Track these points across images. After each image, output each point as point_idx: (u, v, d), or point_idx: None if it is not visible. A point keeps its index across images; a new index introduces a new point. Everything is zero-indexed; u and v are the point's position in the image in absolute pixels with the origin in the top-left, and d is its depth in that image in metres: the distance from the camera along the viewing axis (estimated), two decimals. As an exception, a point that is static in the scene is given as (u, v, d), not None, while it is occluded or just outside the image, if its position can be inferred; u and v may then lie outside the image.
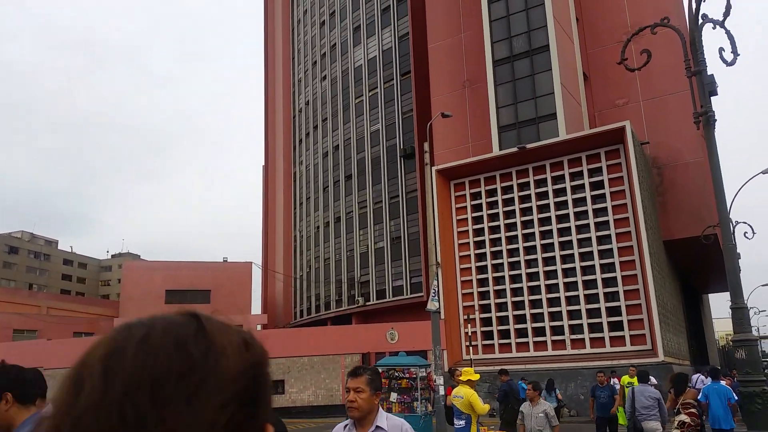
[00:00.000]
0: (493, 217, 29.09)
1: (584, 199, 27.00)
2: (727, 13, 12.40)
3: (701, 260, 33.90)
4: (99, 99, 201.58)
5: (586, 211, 26.83)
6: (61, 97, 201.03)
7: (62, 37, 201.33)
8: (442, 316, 26.69)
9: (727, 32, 12.62)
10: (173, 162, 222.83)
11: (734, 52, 12.50)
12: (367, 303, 41.17)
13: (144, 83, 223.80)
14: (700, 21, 12.40)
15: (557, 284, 26.89)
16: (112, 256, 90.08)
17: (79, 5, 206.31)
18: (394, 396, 16.16)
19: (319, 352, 29.94)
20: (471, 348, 27.34)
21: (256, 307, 55.46)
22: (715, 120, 12.16)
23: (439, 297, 24.59)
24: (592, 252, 26.45)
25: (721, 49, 12.60)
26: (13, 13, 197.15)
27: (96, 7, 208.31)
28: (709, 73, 12.51)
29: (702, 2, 12.35)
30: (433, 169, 30.05)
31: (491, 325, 28.17)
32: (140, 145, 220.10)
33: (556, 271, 27.04)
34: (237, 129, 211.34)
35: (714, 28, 12.67)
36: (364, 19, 45.98)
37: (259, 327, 33.34)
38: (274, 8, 61.08)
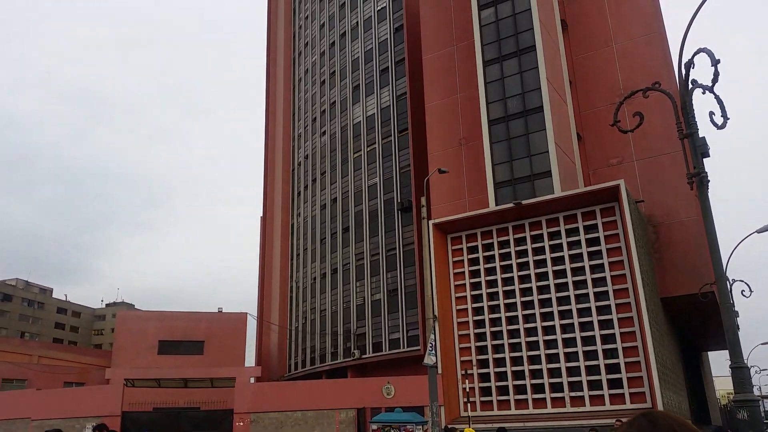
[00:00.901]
0: (490, 271, 29.21)
1: (581, 255, 27.24)
2: (715, 80, 12.88)
3: (700, 318, 33.90)
4: (98, 150, 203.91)
5: (583, 268, 27.03)
6: (61, 148, 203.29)
7: (64, 90, 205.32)
8: (440, 371, 26.44)
9: (717, 97, 13.07)
10: (170, 213, 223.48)
11: (724, 116, 12.92)
12: (363, 356, 40.70)
13: (143, 136, 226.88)
14: (690, 86, 12.92)
15: (555, 340, 26.79)
16: (107, 305, 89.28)
17: (82, 59, 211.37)
18: (391, 454, 15.91)
19: (313, 406, 29.41)
20: (469, 404, 26.94)
21: (250, 359, 54.61)
22: (708, 181, 12.47)
23: (436, 351, 24.44)
24: (590, 308, 26.49)
25: (711, 113, 13.01)
26: (16, 65, 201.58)
27: (98, 61, 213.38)
28: (701, 135, 12.91)
29: (691, 68, 12.91)
30: (430, 222, 30.45)
31: (489, 381, 27.85)
32: (138, 196, 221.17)
33: (554, 326, 26.99)
34: (236, 181, 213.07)
35: (704, 93, 13.17)
36: (363, 79, 47.31)
37: (252, 380, 32.81)
38: (276, 68, 62.81)
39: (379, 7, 47.59)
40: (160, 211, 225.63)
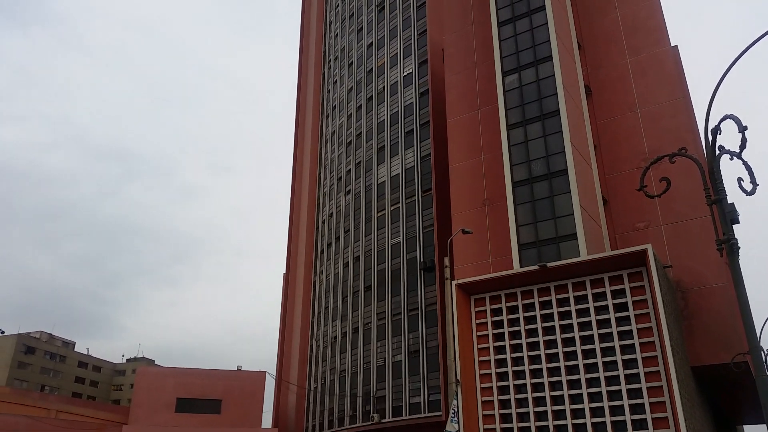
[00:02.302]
0: (515, 335, 28.62)
1: (608, 321, 26.61)
2: (743, 146, 12.78)
3: (733, 388, 32.50)
4: (128, 206, 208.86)
5: (611, 334, 26.33)
6: (93, 204, 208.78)
7: (99, 148, 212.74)
8: (462, 439, 25.54)
9: (745, 163, 12.93)
10: (195, 268, 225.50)
11: (753, 182, 12.75)
12: (383, 420, 39.63)
13: (173, 192, 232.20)
14: (717, 152, 12.85)
15: (583, 409, 25.84)
16: (127, 360, 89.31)
17: (118, 118, 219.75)
18: None
19: (331, 472, 28.49)
20: (492, 475, 25.86)
21: (267, 420, 53.57)
22: (739, 248, 12.22)
23: (459, 418, 23.71)
24: (618, 376, 25.63)
25: (740, 179, 12.83)
26: (56, 124, 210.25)
27: (133, 120, 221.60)
28: (729, 201, 12.71)
29: (718, 134, 12.88)
30: (454, 283, 30.14)
31: (513, 451, 26.78)
32: (164, 252, 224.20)
33: (581, 395, 26.08)
34: (261, 238, 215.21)
35: (731, 159, 13.07)
36: (388, 141, 48.25)
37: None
38: (305, 128, 64.55)
39: (405, 73, 49.03)
40: (185, 266, 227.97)
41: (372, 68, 53.03)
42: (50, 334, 77.67)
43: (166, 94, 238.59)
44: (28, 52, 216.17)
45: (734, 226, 12.69)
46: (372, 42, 54.42)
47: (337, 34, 61.82)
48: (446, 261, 36.87)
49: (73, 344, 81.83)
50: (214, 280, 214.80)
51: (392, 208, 45.75)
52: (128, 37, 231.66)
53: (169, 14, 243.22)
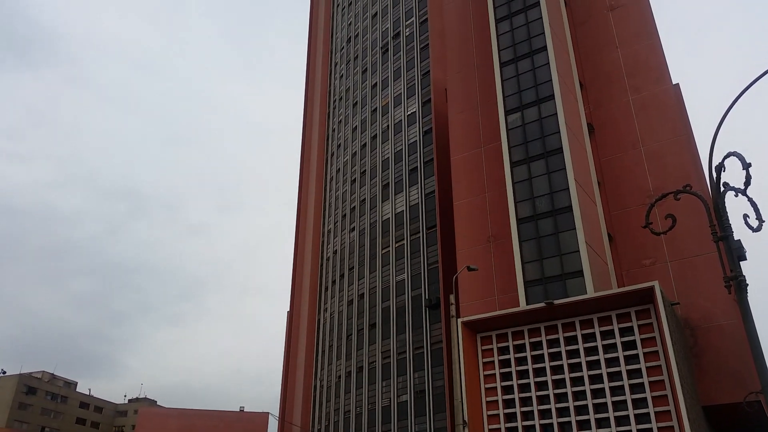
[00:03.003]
0: (523, 374, 28.19)
1: (617, 359, 26.24)
2: (747, 183, 12.81)
3: (746, 428, 31.74)
4: (134, 244, 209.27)
5: (620, 373, 25.94)
6: (98, 241, 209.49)
7: (106, 186, 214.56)
8: (470, 482, 24.93)
9: (750, 200, 12.95)
10: (199, 306, 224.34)
11: (759, 218, 12.73)
12: (388, 463, 38.77)
13: (179, 230, 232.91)
14: (722, 189, 12.87)
15: (593, 451, 25.25)
16: (129, 400, 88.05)
17: (126, 156, 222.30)
18: None
19: None
20: None
21: (270, 463, 52.44)
22: (747, 285, 12.13)
23: (466, 460, 23.15)
24: (628, 416, 25.14)
25: (745, 216, 12.80)
26: (64, 163, 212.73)
27: (140, 159, 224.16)
28: (736, 237, 12.67)
29: (722, 171, 12.92)
30: (459, 321, 29.86)
31: (523, 495, 26.08)
32: (169, 290, 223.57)
33: (591, 435, 25.52)
34: (265, 276, 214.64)
35: (736, 195, 13.09)
36: (392, 178, 48.58)
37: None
38: (310, 166, 65.15)
39: (409, 112, 49.70)
40: (189, 304, 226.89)
41: (376, 107, 53.80)
42: (52, 374, 76.91)
43: (174, 133, 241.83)
44: (38, 93, 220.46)
45: (742, 263, 12.67)
46: (376, 82, 55.34)
47: (342, 75, 62.93)
48: (451, 298, 36.68)
49: (75, 384, 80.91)
50: (218, 318, 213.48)
51: (397, 245, 45.73)
52: (138, 77, 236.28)
53: (178, 55, 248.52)
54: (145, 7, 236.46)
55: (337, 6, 69.35)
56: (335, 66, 65.96)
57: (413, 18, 53.87)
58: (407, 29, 54.08)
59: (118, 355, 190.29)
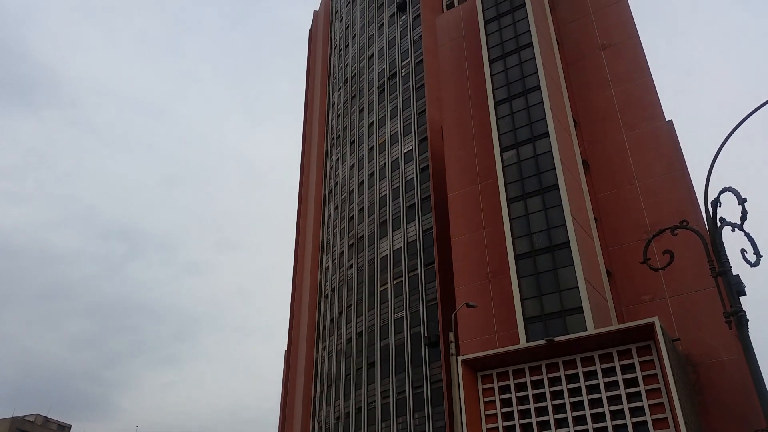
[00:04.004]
0: (525, 414, 27.74)
1: (619, 397, 25.89)
2: (743, 218, 12.88)
3: (753, 469, 31.11)
4: (131, 284, 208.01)
5: (622, 411, 25.56)
6: (95, 282, 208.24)
7: (104, 226, 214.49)
8: None
9: (747, 234, 12.97)
10: (196, 346, 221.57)
11: (757, 253, 12.74)
12: (388, 507, 37.75)
13: (176, 269, 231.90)
14: (719, 224, 12.91)
15: (598, 492, 24.66)
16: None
17: (124, 196, 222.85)
18: None
19: None
20: None
21: None
22: (748, 320, 12.04)
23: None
24: (632, 456, 24.63)
25: (743, 251, 12.79)
26: (63, 203, 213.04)
27: (139, 199, 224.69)
28: (735, 272, 12.63)
29: (718, 206, 12.98)
30: (459, 359, 29.52)
31: None
32: (165, 330, 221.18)
33: (595, 476, 24.97)
34: (263, 315, 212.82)
35: (733, 230, 13.11)
36: (390, 215, 48.73)
37: None
38: (308, 205, 65.42)
39: (405, 150, 50.19)
40: (186, 344, 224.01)
41: (373, 146, 54.34)
42: (45, 417, 75.35)
43: (172, 173, 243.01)
44: (38, 133, 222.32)
45: (742, 298, 12.60)
46: (373, 121, 56.05)
47: (339, 114, 63.75)
48: (451, 336, 36.37)
49: (69, 427, 79.20)
50: (214, 358, 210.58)
51: (395, 282, 45.55)
52: (137, 119, 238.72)
53: (177, 96, 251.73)
54: (145, 50, 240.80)
55: (335, 48, 70.74)
56: (333, 105, 66.88)
57: (409, 59, 54.91)
58: (403, 70, 55.07)
59: (112, 397, 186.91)
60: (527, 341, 29.22)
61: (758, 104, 12.82)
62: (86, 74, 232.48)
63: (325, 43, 74.11)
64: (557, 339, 27.15)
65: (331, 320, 52.41)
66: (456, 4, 57.11)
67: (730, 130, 13.19)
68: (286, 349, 59.88)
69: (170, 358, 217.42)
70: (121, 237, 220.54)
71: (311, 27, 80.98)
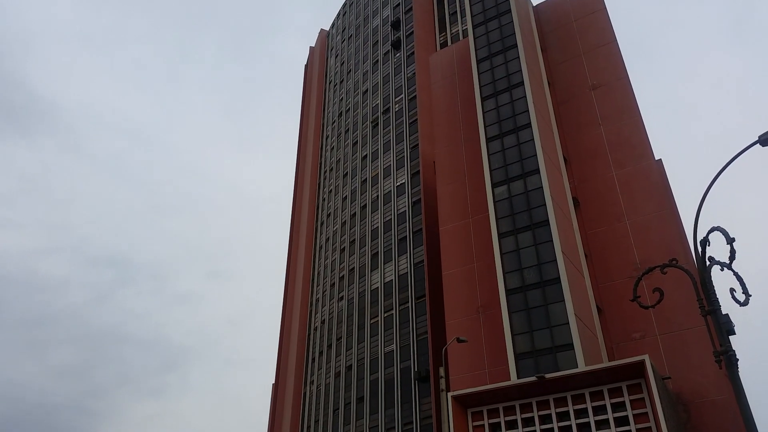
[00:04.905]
0: (515, 451, 27.39)
1: (610, 435, 25.66)
2: (732, 258, 13.04)
3: None
4: (120, 313, 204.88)
5: (614, 449, 25.30)
6: (83, 310, 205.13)
7: (94, 254, 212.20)
8: None
9: (736, 274, 13.11)
10: (182, 378, 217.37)
11: (745, 292, 12.86)
12: None
13: (166, 299, 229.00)
14: (708, 263, 13.07)
15: None
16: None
17: (116, 225, 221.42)
18: None
19: None
20: None
21: None
22: (737, 360, 12.08)
23: None
24: (624, 497, 24.32)
25: (732, 290, 12.89)
26: (55, 231, 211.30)
27: (130, 227, 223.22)
28: (724, 311, 12.69)
29: (707, 246, 13.15)
30: (449, 395, 29.30)
31: None
32: (152, 360, 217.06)
33: None
34: (251, 346, 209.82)
35: (722, 270, 13.25)
36: (381, 247, 48.76)
37: None
38: (299, 236, 65.39)
39: (398, 183, 50.55)
40: (172, 375, 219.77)
41: (366, 178, 54.69)
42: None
43: (164, 202, 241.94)
44: (33, 161, 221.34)
45: (732, 337, 12.67)
46: (366, 154, 56.54)
47: (333, 147, 64.28)
48: (441, 371, 36.09)
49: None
50: (201, 390, 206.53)
51: (386, 315, 45.32)
52: (130, 147, 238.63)
53: (171, 126, 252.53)
54: (141, 79, 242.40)
55: (330, 82, 71.78)
56: (326, 138, 67.48)
57: (402, 95, 55.76)
58: (396, 105, 55.86)
59: (98, 429, 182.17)
60: (518, 377, 29.06)
61: (747, 143, 13.14)
62: (83, 102, 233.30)
63: (320, 77, 75.17)
64: (548, 376, 27.03)
65: (321, 353, 51.87)
66: (449, 43, 58.34)
67: (718, 170, 13.51)
68: (274, 381, 59.02)
69: (157, 390, 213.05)
70: (110, 265, 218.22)
71: (307, 62, 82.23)
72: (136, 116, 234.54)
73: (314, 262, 60.61)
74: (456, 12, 60.84)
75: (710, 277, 12.97)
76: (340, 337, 49.00)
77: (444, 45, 59.15)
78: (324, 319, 53.36)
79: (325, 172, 64.55)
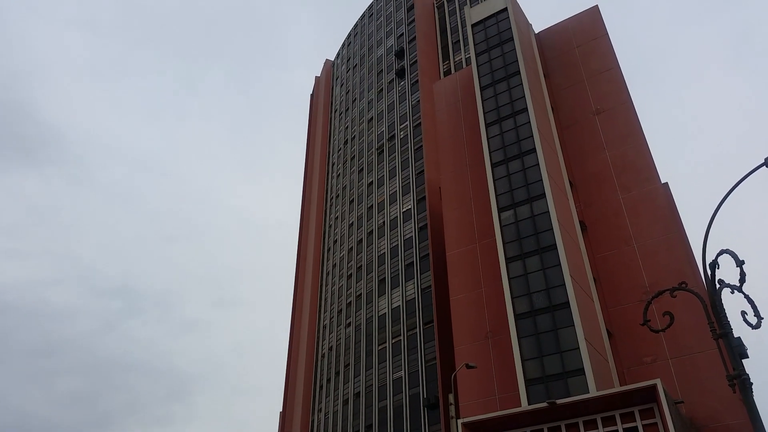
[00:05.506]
0: (528, 479, 27.03)
1: (624, 461, 25.32)
2: (742, 280, 13.00)
3: None
4: (126, 342, 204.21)
5: (628, 476, 24.93)
6: (90, 339, 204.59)
7: (101, 284, 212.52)
8: None
9: (747, 297, 13.07)
10: (189, 407, 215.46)
11: (757, 315, 12.79)
12: None
13: (173, 327, 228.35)
14: (717, 286, 13.04)
15: None
16: None
17: (122, 254, 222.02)
18: None
19: None
20: None
21: None
22: (752, 383, 11.97)
23: None
24: None
25: (743, 313, 12.80)
26: (60, 260, 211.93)
27: (137, 256, 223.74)
28: (736, 334, 12.59)
29: (717, 268, 13.14)
30: (459, 422, 29.04)
31: None
32: (159, 389, 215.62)
33: None
34: (258, 374, 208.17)
35: (732, 293, 13.24)
36: (389, 273, 48.76)
37: None
38: (306, 263, 65.48)
39: (404, 209, 50.76)
40: (179, 404, 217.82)
41: (372, 205, 54.96)
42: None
43: (172, 231, 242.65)
44: (42, 191, 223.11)
45: (745, 360, 12.56)
46: (372, 181, 56.91)
47: (339, 174, 64.75)
48: (451, 398, 35.77)
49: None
50: (208, 418, 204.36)
51: (393, 341, 45.10)
52: (137, 176, 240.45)
53: (177, 155, 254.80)
54: (147, 109, 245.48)
55: (335, 111, 72.64)
56: (332, 166, 68.00)
57: (407, 122, 56.35)
58: (402, 132, 56.41)
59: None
60: (529, 403, 28.80)
61: (753, 164, 13.24)
62: (91, 132, 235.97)
63: (326, 106, 76.11)
64: (559, 401, 26.80)
65: (328, 380, 51.51)
66: (453, 71, 59.11)
67: (725, 193, 13.59)
68: (281, 409, 58.50)
69: (163, 419, 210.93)
70: (118, 294, 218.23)
71: (313, 91, 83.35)
72: (143, 145, 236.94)
73: (321, 288, 60.57)
74: (459, 41, 61.79)
75: (720, 299, 12.92)
76: (348, 364, 48.71)
77: (447, 73, 59.93)
78: (331, 346, 53.11)
79: (332, 198, 64.91)
